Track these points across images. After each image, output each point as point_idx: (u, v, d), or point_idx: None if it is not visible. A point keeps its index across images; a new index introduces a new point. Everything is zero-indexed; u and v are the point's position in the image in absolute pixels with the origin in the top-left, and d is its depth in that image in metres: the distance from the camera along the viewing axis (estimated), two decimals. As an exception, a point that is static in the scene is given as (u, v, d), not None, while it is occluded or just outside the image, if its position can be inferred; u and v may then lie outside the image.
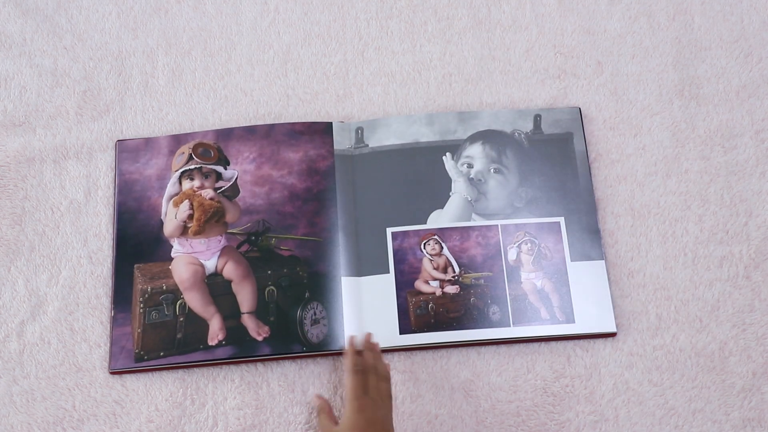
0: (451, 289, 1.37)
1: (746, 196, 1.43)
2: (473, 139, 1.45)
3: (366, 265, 1.38)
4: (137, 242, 1.39)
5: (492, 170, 1.43)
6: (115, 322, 1.35)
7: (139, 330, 1.34)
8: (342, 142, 1.45)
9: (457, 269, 1.38)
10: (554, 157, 1.44)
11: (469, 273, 1.38)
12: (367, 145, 1.44)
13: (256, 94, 1.51)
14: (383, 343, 1.34)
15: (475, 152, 1.44)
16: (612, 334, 1.35)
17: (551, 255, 1.39)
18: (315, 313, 1.35)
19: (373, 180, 1.42)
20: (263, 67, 1.53)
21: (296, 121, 1.48)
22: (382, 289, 1.37)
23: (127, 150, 1.45)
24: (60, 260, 1.40)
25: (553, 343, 1.36)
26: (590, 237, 1.39)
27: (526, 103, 1.49)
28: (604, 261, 1.38)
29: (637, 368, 1.34)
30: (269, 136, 1.45)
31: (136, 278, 1.37)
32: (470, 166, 1.44)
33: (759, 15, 1.54)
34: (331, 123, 1.45)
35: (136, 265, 1.38)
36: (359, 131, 1.45)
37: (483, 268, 1.38)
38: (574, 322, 1.35)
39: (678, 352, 1.35)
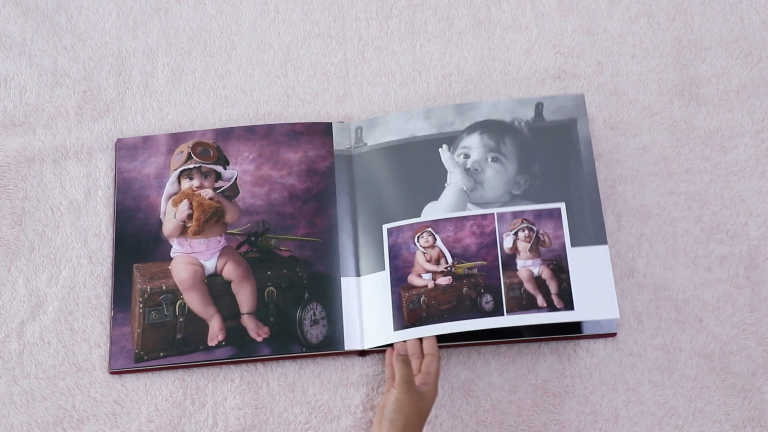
0: (443, 281, 1.35)
1: (746, 196, 1.43)
2: (471, 129, 1.43)
3: (364, 264, 1.38)
4: (136, 241, 1.39)
5: (489, 159, 1.41)
6: (114, 321, 1.35)
7: (138, 330, 1.34)
8: (342, 142, 1.44)
9: (449, 260, 1.36)
10: (556, 144, 1.41)
11: (462, 263, 1.36)
12: (366, 144, 1.44)
13: (256, 94, 1.51)
14: (379, 342, 1.33)
15: (473, 142, 1.42)
16: (612, 334, 1.35)
17: (550, 241, 1.35)
18: (314, 314, 1.35)
19: (371, 178, 1.42)
20: (263, 67, 1.53)
21: (296, 121, 1.48)
22: (378, 286, 1.36)
23: (125, 148, 1.45)
24: (60, 260, 1.40)
25: (553, 343, 1.36)
26: (593, 221, 1.36)
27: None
28: (607, 246, 1.34)
29: (637, 368, 1.34)
30: (269, 137, 1.45)
31: (135, 278, 1.37)
32: (467, 156, 1.41)
33: (759, 15, 1.54)
34: (331, 123, 1.45)
35: (135, 265, 1.38)
36: (359, 131, 1.44)
37: (477, 257, 1.36)
38: (573, 309, 1.32)
39: (678, 352, 1.35)
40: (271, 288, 1.37)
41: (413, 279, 1.36)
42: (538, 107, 1.43)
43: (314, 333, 1.34)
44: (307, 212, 1.41)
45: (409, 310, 1.33)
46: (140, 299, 1.35)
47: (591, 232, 1.35)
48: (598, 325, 1.34)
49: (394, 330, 1.33)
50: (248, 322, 1.35)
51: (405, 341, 1.31)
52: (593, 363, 1.34)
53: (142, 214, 1.40)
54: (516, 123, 1.42)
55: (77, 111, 1.49)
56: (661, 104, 1.49)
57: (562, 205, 1.37)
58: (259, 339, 1.34)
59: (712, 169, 1.45)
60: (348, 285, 1.37)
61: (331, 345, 1.34)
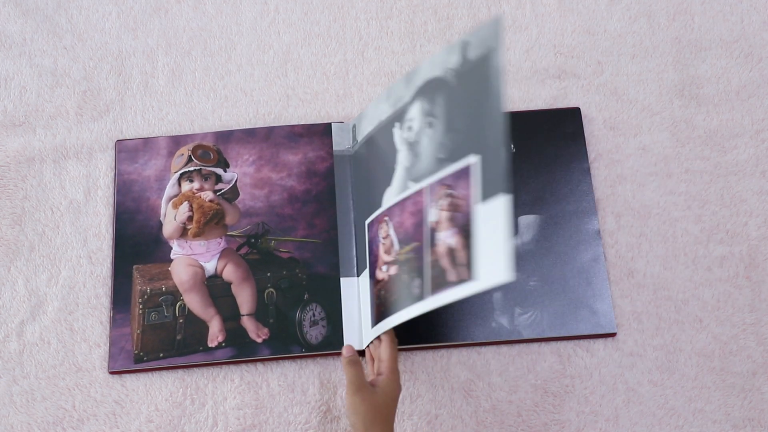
0: (392, 271, 1.26)
1: (746, 196, 1.43)
2: (413, 98, 1.27)
3: (360, 263, 1.37)
4: (136, 243, 1.39)
5: (427, 125, 1.24)
6: (114, 322, 1.35)
7: (138, 331, 1.35)
8: (341, 142, 1.44)
9: (396, 247, 1.26)
10: (475, 85, 1.16)
11: (403, 248, 1.24)
12: (358, 141, 1.43)
13: (256, 94, 1.51)
14: (367, 340, 1.31)
15: (415, 112, 1.26)
16: (612, 334, 1.35)
17: (464, 204, 1.14)
18: (314, 315, 1.36)
19: (361, 175, 1.40)
20: (263, 67, 1.53)
21: (296, 121, 1.48)
22: (366, 285, 1.35)
23: (125, 150, 1.45)
24: (60, 260, 1.40)
25: (553, 343, 1.36)
26: (496, 168, 1.09)
27: (527, 103, 1.49)
28: (506, 196, 1.07)
29: (637, 368, 1.34)
30: (269, 139, 1.45)
31: (135, 279, 1.37)
32: (410, 129, 1.27)
33: (759, 15, 1.54)
34: (330, 124, 1.45)
35: (135, 266, 1.38)
36: (355, 129, 1.43)
37: (413, 240, 1.22)
38: (473, 279, 1.11)
39: (678, 352, 1.35)
40: (271, 289, 1.37)
41: (378, 273, 1.30)
42: (464, 48, 1.18)
43: (314, 334, 1.35)
44: (306, 213, 1.41)
45: (377, 306, 1.30)
46: (140, 300, 1.36)
47: (491, 182, 1.10)
48: (597, 325, 1.34)
49: (371, 327, 1.31)
50: (248, 324, 1.35)
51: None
52: (593, 363, 1.35)
53: (142, 216, 1.41)
54: (448, 75, 1.21)
55: (77, 111, 1.49)
56: (661, 104, 1.49)
57: (476, 159, 1.13)
58: (259, 340, 1.34)
59: (712, 169, 1.45)
60: (347, 285, 1.37)
61: (330, 345, 1.34)
